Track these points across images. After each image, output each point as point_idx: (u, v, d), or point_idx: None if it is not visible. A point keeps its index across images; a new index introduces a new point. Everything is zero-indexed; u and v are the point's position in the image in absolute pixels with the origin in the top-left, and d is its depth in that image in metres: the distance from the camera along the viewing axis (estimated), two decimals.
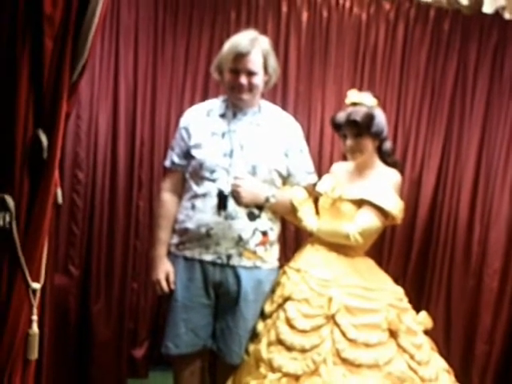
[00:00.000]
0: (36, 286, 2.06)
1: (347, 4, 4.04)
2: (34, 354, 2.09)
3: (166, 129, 4.03)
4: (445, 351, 3.48)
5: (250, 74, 2.89)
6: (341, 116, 3.08)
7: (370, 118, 3.02)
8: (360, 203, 3.01)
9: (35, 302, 2.08)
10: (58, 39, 1.96)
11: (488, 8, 3.38)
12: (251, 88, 2.92)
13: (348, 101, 3.15)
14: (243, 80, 2.89)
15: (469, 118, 4.02)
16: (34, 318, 2.08)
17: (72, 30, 1.99)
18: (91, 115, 3.64)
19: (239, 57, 2.86)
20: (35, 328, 2.09)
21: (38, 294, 2.09)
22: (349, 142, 3.06)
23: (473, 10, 3.54)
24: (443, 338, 3.93)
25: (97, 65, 3.62)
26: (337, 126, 3.13)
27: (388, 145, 3.19)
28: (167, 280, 3.00)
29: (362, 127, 3.01)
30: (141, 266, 3.97)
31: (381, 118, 3.09)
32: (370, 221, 2.97)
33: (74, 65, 2.04)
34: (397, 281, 3.24)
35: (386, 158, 3.18)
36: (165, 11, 3.93)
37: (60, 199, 2.25)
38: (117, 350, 3.85)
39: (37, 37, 1.91)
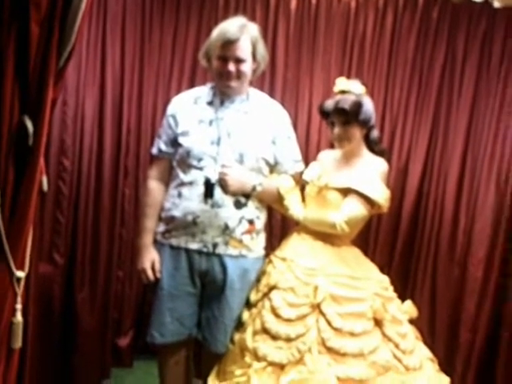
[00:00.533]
0: (20, 274, 2.04)
1: None
2: (18, 343, 2.08)
3: (152, 116, 4.01)
4: (429, 340, 3.50)
5: (239, 61, 2.88)
6: (329, 104, 3.07)
7: (358, 105, 3.01)
8: (346, 192, 3.01)
9: (19, 291, 2.06)
10: (45, 24, 1.93)
11: None
12: (239, 75, 2.90)
13: (336, 88, 3.14)
14: (231, 67, 2.87)
15: (456, 106, 4.01)
16: (18, 306, 2.07)
17: (59, 15, 1.96)
18: (78, 102, 3.60)
19: (228, 44, 2.84)
20: (19, 316, 2.07)
21: (23, 283, 2.07)
22: (337, 129, 3.05)
23: None
24: (428, 327, 3.94)
25: (84, 51, 3.58)
26: (325, 114, 3.12)
27: (375, 133, 3.19)
28: (153, 268, 2.99)
29: (350, 115, 3.00)
30: (126, 255, 3.96)
31: (369, 106, 3.09)
32: (356, 209, 2.97)
33: (61, 51, 2.02)
34: (382, 270, 3.24)
35: (373, 146, 3.18)
36: None
37: (45, 187, 2.23)
38: (101, 338, 3.84)
39: (23, 22, 1.89)
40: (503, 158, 3.88)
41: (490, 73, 3.94)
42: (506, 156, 3.87)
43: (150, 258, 3.00)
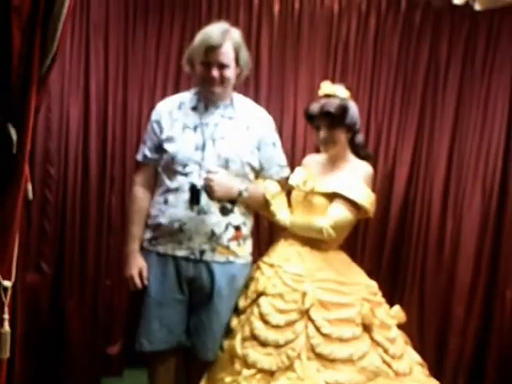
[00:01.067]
0: (7, 283, 2.03)
1: None
2: (6, 353, 2.06)
3: (137, 122, 4.00)
4: (418, 344, 3.49)
5: (222, 66, 2.87)
6: (314, 107, 3.07)
7: (343, 109, 3.02)
8: (332, 196, 3.00)
9: (6, 301, 2.05)
10: (27, 30, 1.92)
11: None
12: (223, 81, 2.90)
13: (321, 92, 3.14)
14: (215, 73, 2.86)
15: (441, 109, 4.02)
16: (6, 316, 2.06)
17: (40, 21, 1.95)
18: (62, 109, 3.59)
19: (211, 49, 2.83)
20: (7, 327, 2.06)
21: (10, 292, 2.06)
22: (322, 133, 3.05)
23: (443, 2, 3.54)
24: (417, 332, 3.94)
25: (67, 58, 3.57)
26: (310, 118, 3.12)
27: (360, 137, 3.19)
28: (140, 276, 2.98)
29: (335, 118, 3.00)
30: (114, 262, 3.93)
31: (354, 110, 3.09)
32: (342, 214, 2.97)
33: (44, 57, 2.01)
34: (370, 275, 3.23)
35: (358, 150, 3.18)
36: (135, 4, 3.90)
37: (30, 195, 2.22)
38: (91, 347, 3.82)
39: (4, 28, 1.87)
40: (488, 160, 3.91)
41: (473, 75, 3.96)
42: (492, 158, 3.90)
43: (138, 266, 2.98)
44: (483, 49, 3.94)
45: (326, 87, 3.14)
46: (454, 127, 4.02)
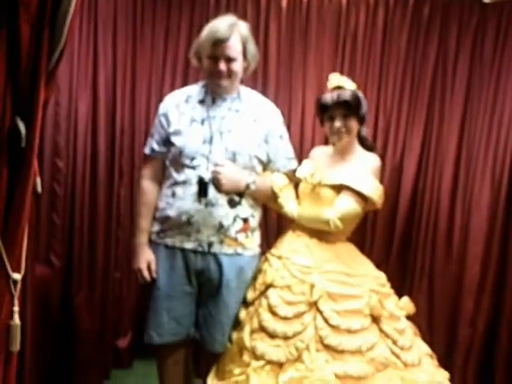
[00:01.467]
0: (17, 276, 2.03)
1: None
2: (17, 346, 2.07)
3: (146, 115, 4.00)
4: (428, 336, 3.49)
5: (229, 60, 2.87)
6: (328, 97, 3.06)
7: (357, 99, 3.05)
8: (340, 188, 3.00)
9: (16, 293, 2.05)
10: (35, 24, 1.92)
11: None
12: (230, 74, 2.90)
13: (331, 84, 3.14)
14: (222, 66, 2.86)
15: (449, 102, 4.01)
16: (16, 309, 2.06)
17: (48, 14, 1.95)
18: (70, 102, 3.60)
19: (218, 43, 2.83)
20: (17, 319, 2.06)
21: (19, 285, 2.06)
22: (337, 123, 3.04)
23: None
24: (426, 323, 3.94)
25: (75, 51, 3.58)
26: (323, 108, 3.11)
27: (365, 129, 3.21)
28: (149, 269, 2.99)
29: (351, 108, 3.01)
30: (123, 255, 3.94)
31: (364, 101, 3.11)
32: (349, 206, 2.97)
33: (52, 51, 2.01)
34: (379, 266, 3.24)
35: (364, 141, 3.19)
36: None
37: (39, 188, 2.22)
38: (100, 340, 3.84)
39: (13, 22, 1.88)
40: (497, 152, 3.89)
41: (482, 68, 3.94)
42: (500, 151, 3.88)
43: (146, 258, 3.00)
44: (492, 41, 3.91)
45: (336, 79, 3.15)
46: (462, 120, 4.00)
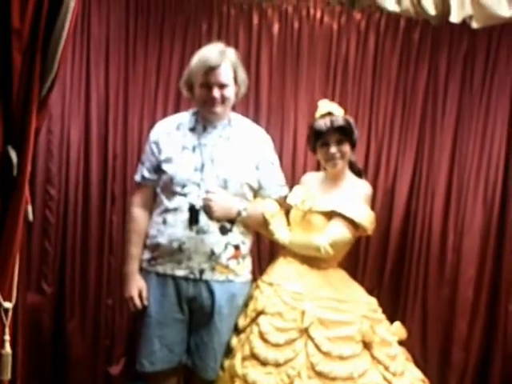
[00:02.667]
0: (8, 305, 2.04)
1: (318, 14, 4.03)
2: (8, 375, 2.07)
3: (138, 142, 3.99)
4: (421, 360, 3.49)
5: (222, 86, 2.90)
6: (322, 123, 3.07)
7: (350, 123, 3.08)
8: (331, 215, 3.01)
9: (7, 322, 2.06)
10: (27, 53, 1.95)
11: (455, 17, 3.40)
12: (224, 100, 2.92)
13: (322, 110, 3.16)
14: (216, 93, 2.88)
15: (440, 126, 4.03)
16: (7, 337, 2.07)
17: (41, 43, 1.98)
18: (63, 130, 3.63)
19: (210, 70, 2.86)
20: (8, 348, 2.07)
21: (10, 314, 2.07)
22: (333, 149, 3.05)
23: (441, 20, 3.55)
24: (420, 348, 3.93)
25: (68, 79, 3.61)
26: (317, 134, 3.11)
27: (354, 155, 3.23)
28: (140, 296, 2.98)
29: (345, 132, 3.03)
30: (115, 282, 3.92)
31: (355, 126, 3.13)
32: (340, 233, 2.97)
33: (44, 79, 2.03)
34: (372, 291, 3.25)
35: (353, 167, 3.21)
36: (136, 24, 3.91)
37: (31, 216, 2.23)
38: (92, 367, 3.83)
39: (5, 51, 1.90)
40: (489, 175, 3.91)
41: (472, 93, 3.97)
42: (492, 174, 3.90)
43: (137, 286, 2.98)
44: (482, 66, 3.94)
45: (326, 105, 3.17)
46: (453, 144, 4.02)
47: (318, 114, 3.18)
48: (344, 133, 3.05)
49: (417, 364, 3.18)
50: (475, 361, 3.95)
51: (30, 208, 2.21)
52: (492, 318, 3.94)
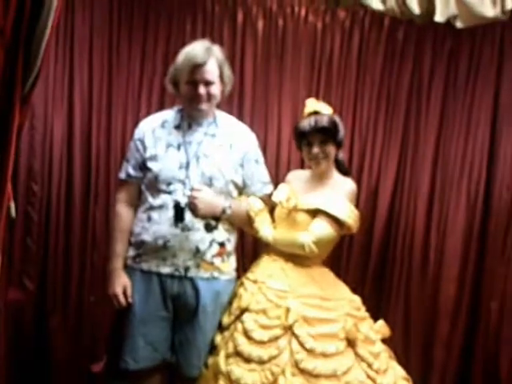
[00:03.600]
0: None
1: (302, 12, 4.03)
2: None
3: (122, 139, 3.98)
4: (404, 359, 3.49)
5: (208, 83, 2.89)
6: (306, 123, 3.08)
7: (335, 124, 3.07)
8: (315, 213, 3.01)
9: None
10: (9, 50, 1.93)
11: (439, 17, 3.42)
12: (209, 98, 2.92)
13: (308, 109, 3.16)
14: (202, 90, 2.88)
15: (424, 126, 4.04)
16: None
17: (23, 40, 1.96)
18: (46, 126, 3.61)
19: (196, 68, 2.85)
20: None
21: None
22: (315, 149, 3.05)
23: (425, 19, 3.56)
24: (402, 346, 3.94)
25: (51, 75, 3.59)
26: (301, 134, 3.12)
27: (341, 154, 3.23)
28: (124, 294, 2.97)
29: (328, 133, 3.03)
30: (98, 279, 3.89)
31: (341, 126, 3.13)
32: (324, 230, 2.98)
33: (26, 75, 2.02)
34: (355, 290, 3.24)
35: (339, 166, 3.21)
36: (119, 21, 3.89)
37: (13, 213, 2.21)
38: (75, 364, 3.81)
39: None
40: (472, 175, 3.94)
41: (456, 92, 3.99)
42: (475, 174, 3.93)
43: (122, 283, 2.97)
44: (466, 65, 3.97)
45: (313, 104, 3.17)
46: (437, 143, 4.04)
47: (304, 113, 3.18)
48: (328, 133, 3.05)
49: (399, 362, 3.19)
50: (457, 359, 3.98)
51: (12, 204, 2.20)
52: (474, 317, 3.98)
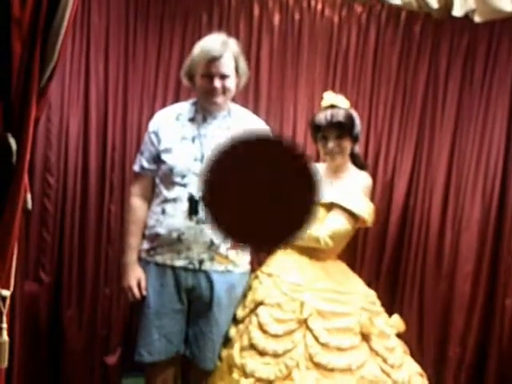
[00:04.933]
0: (5, 293, 2.03)
1: (319, 6, 4.03)
2: (4, 362, 2.06)
3: (137, 132, 3.97)
4: (418, 354, 3.49)
5: (224, 77, 2.88)
6: (322, 117, 3.07)
7: (351, 119, 3.06)
8: (330, 206, 3.01)
9: (4, 310, 2.05)
10: (27, 42, 1.93)
11: (458, 11, 3.41)
12: (225, 91, 2.91)
13: (325, 102, 3.15)
14: (217, 83, 2.87)
15: (440, 121, 4.04)
16: (4, 325, 2.05)
17: (41, 32, 1.96)
18: (62, 119, 3.61)
19: (212, 61, 2.84)
20: (5, 336, 2.06)
21: (8, 301, 2.05)
22: (330, 144, 3.05)
23: (443, 14, 3.55)
24: (416, 341, 3.94)
25: (67, 68, 3.59)
26: (316, 128, 3.11)
27: (357, 148, 3.22)
28: (139, 286, 2.98)
29: (344, 128, 3.02)
30: (113, 272, 3.91)
31: (358, 120, 3.12)
32: (339, 224, 2.97)
33: (44, 68, 2.02)
34: (370, 284, 3.24)
35: (355, 160, 3.20)
36: (136, 14, 3.88)
37: (29, 205, 2.22)
38: (89, 356, 3.81)
39: (5, 40, 1.88)
40: (488, 170, 3.92)
41: (473, 87, 3.97)
42: (491, 168, 3.91)
43: (136, 276, 2.98)
44: (483, 60, 3.95)
45: (330, 97, 3.16)
46: (453, 138, 4.03)
47: (321, 106, 3.17)
48: (343, 128, 3.03)
49: (413, 357, 3.19)
50: (471, 355, 3.96)
51: (29, 196, 2.20)
52: (489, 314, 3.96)
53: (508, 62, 3.90)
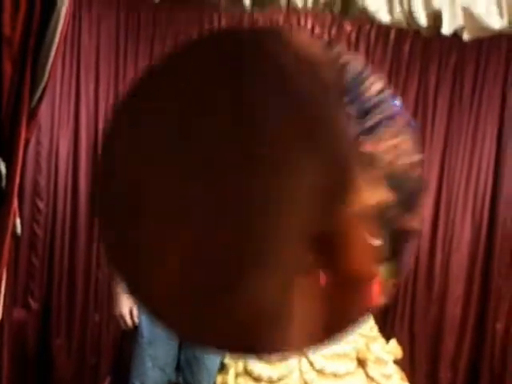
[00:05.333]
0: None
1: (309, 24, 4.02)
2: None
3: None
4: (409, 379, 3.46)
5: None
6: None
7: None
8: None
9: None
10: (17, 62, 1.91)
11: (446, 29, 3.38)
12: None
13: None
14: None
15: (430, 138, 4.03)
16: None
17: (31, 52, 1.95)
18: (52, 141, 3.59)
19: None
20: None
21: None
22: None
23: (432, 31, 3.53)
24: (407, 366, 3.88)
25: (57, 90, 3.57)
26: None
27: None
28: (131, 314, 2.92)
29: None
30: (103, 297, 3.86)
31: None
32: None
33: (34, 89, 2.00)
34: None
35: None
36: (126, 35, 3.86)
37: (19, 230, 2.18)
38: None
39: None
40: (478, 191, 3.93)
41: (462, 104, 3.99)
42: (481, 189, 3.92)
43: (128, 304, 2.91)
44: (471, 78, 3.97)
45: None
46: (442, 158, 4.03)
47: None
48: None
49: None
50: (463, 380, 3.96)
51: (18, 221, 2.16)
52: (480, 337, 3.96)
53: (496, 79, 3.93)
